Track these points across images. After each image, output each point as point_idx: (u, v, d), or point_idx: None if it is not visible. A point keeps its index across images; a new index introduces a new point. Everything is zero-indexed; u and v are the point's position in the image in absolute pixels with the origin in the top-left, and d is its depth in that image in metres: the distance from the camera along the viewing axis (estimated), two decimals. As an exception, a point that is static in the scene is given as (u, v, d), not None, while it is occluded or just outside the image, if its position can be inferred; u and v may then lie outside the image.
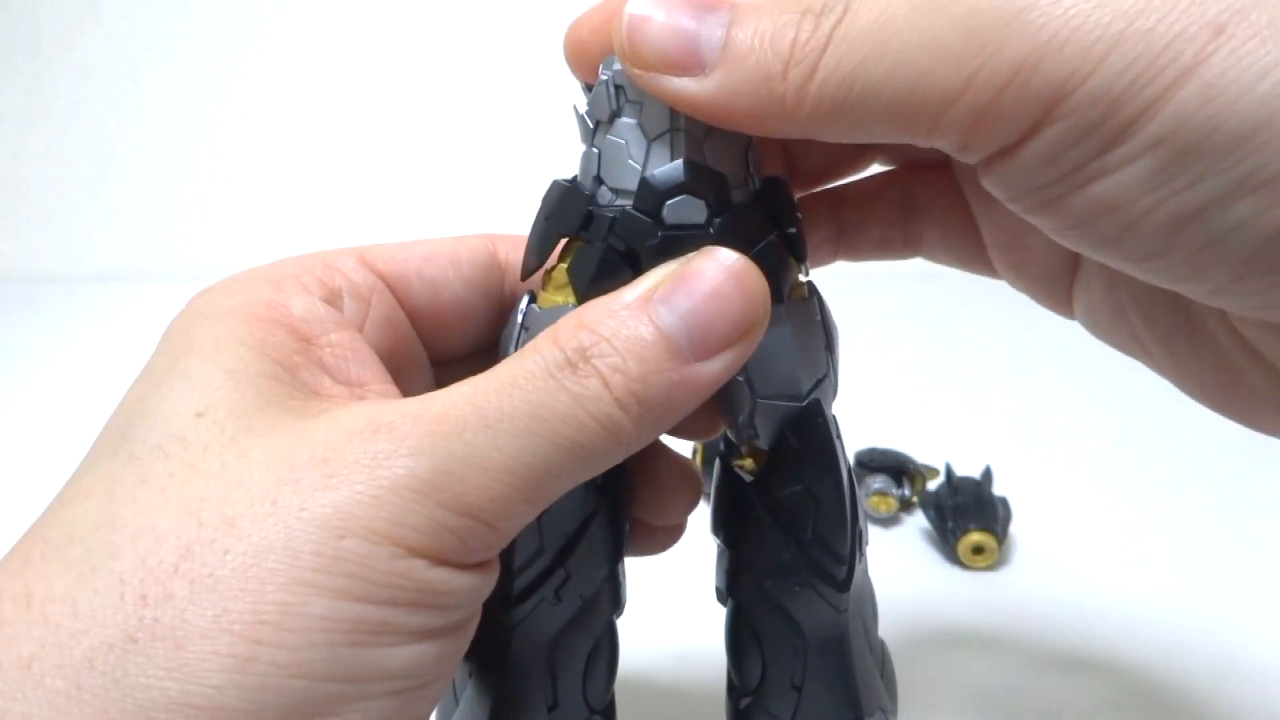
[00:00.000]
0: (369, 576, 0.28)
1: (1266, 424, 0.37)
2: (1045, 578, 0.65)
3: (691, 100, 0.31)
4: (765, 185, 0.37)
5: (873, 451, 0.76)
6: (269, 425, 0.31)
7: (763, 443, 0.37)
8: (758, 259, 0.35)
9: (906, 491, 0.74)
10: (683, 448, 0.79)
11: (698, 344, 0.31)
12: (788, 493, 0.37)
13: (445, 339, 0.42)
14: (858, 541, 0.38)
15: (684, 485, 0.44)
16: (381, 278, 0.39)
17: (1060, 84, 0.28)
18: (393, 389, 0.36)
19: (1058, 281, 0.41)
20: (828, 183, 0.45)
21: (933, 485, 0.73)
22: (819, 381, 0.37)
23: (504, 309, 0.42)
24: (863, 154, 0.45)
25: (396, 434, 0.29)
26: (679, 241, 0.34)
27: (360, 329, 0.37)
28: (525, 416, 0.30)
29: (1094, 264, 0.39)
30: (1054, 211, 0.31)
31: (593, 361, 0.30)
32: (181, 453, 0.30)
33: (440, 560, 0.29)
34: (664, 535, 0.45)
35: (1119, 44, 0.27)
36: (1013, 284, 0.43)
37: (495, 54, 1.59)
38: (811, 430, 0.36)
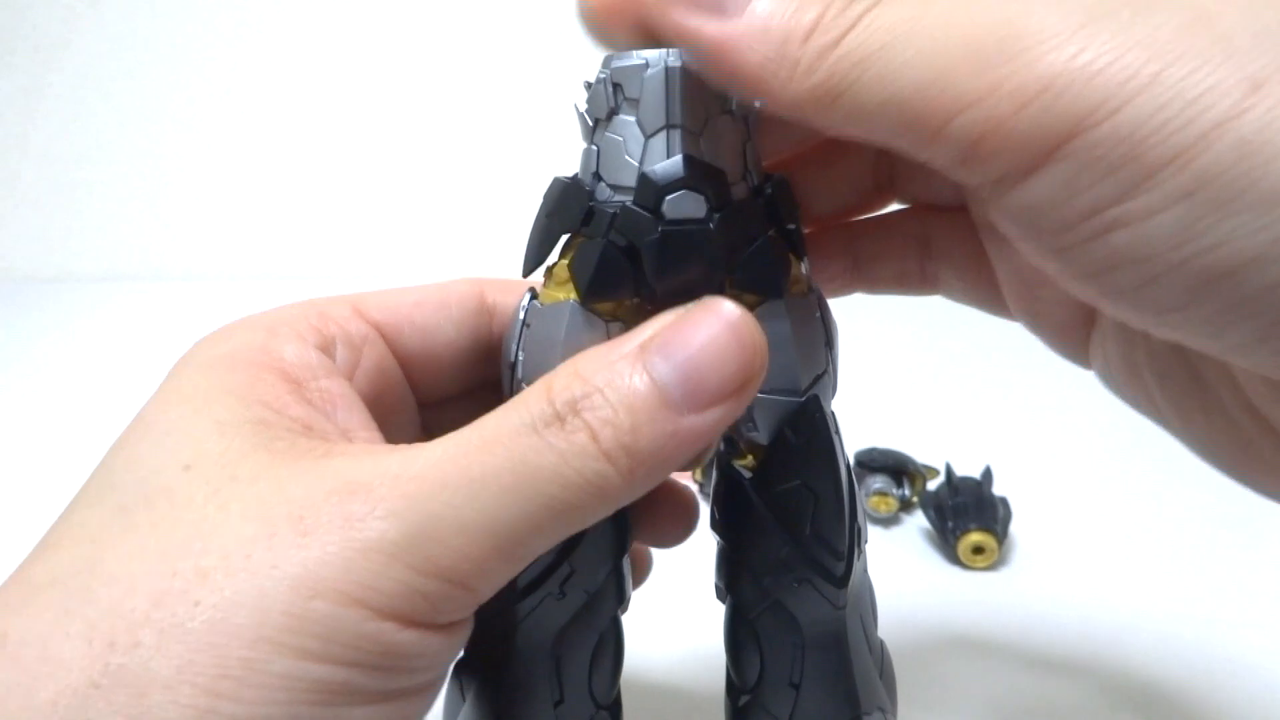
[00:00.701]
0: (336, 639, 0.28)
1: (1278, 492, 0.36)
2: (1045, 578, 0.65)
3: (705, 39, 0.30)
4: (765, 181, 0.37)
5: (873, 451, 0.76)
6: (252, 475, 0.31)
7: (761, 438, 0.37)
8: (757, 253, 0.35)
9: (906, 491, 0.74)
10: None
11: (691, 396, 0.30)
12: (786, 488, 0.37)
13: (435, 382, 0.42)
14: (856, 538, 0.38)
15: (680, 513, 0.43)
16: (375, 326, 0.40)
17: (1084, 114, 0.26)
18: (377, 436, 0.36)
19: (1074, 333, 0.40)
20: (839, 222, 0.45)
21: (933, 485, 0.73)
22: (818, 377, 0.37)
23: (492, 350, 0.42)
24: (878, 195, 0.44)
25: (373, 495, 0.29)
26: (679, 236, 0.34)
27: (350, 377, 0.38)
28: (507, 474, 0.29)
29: (1111, 320, 0.38)
30: (1069, 258, 0.29)
31: (583, 415, 0.30)
32: (167, 505, 0.30)
33: (410, 623, 0.29)
34: (676, 529, 0.45)
35: (1151, 85, 0.26)
36: (1030, 331, 0.42)
37: (498, 53, 1.59)
38: (810, 426, 0.36)
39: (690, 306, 0.32)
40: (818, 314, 0.38)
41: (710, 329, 0.31)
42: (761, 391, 0.36)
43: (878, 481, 0.73)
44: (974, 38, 0.28)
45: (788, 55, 0.30)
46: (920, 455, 0.77)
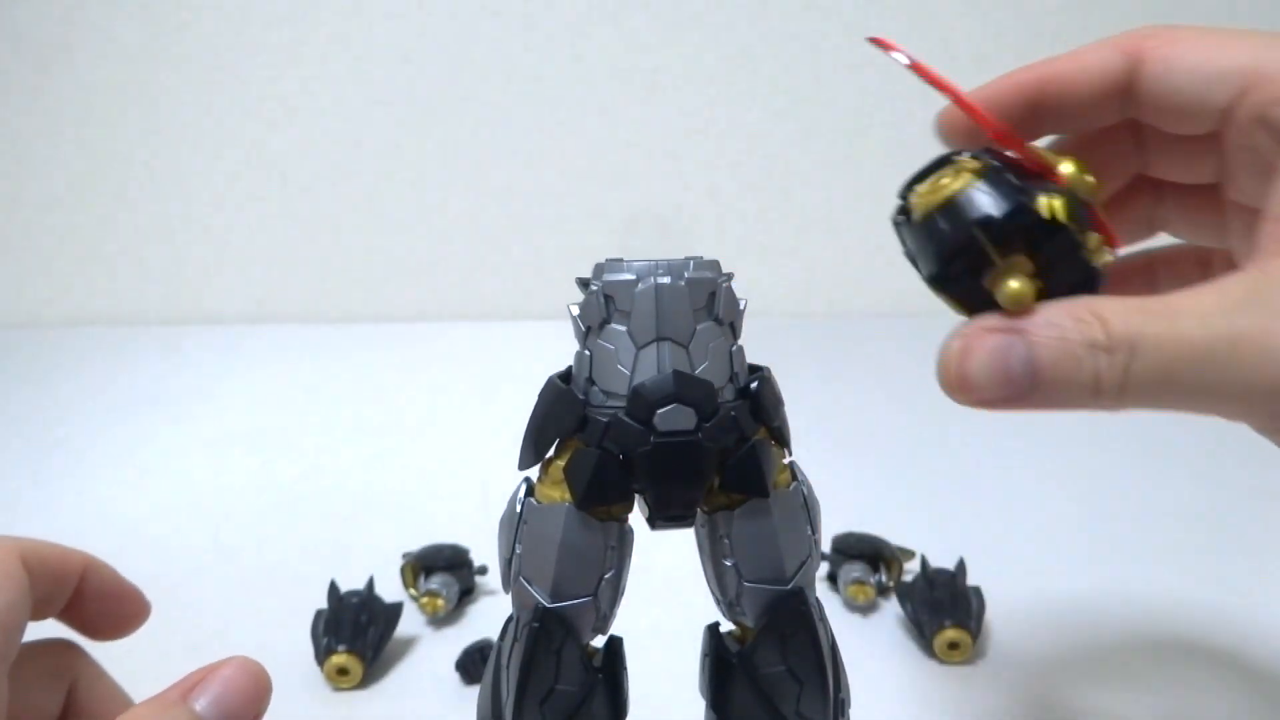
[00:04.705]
0: None
1: None
2: (1020, 671, 0.67)
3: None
4: (750, 380, 0.39)
5: (849, 537, 0.78)
6: None
7: (750, 622, 0.39)
8: (744, 458, 0.37)
9: (883, 577, 0.76)
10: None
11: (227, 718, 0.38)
12: (772, 671, 0.39)
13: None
14: (840, 710, 0.40)
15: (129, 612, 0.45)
16: None
17: None
18: None
19: None
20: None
21: (910, 567, 0.76)
22: (803, 564, 0.39)
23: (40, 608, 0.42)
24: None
25: None
26: (670, 449, 0.36)
27: None
28: None
29: None
30: None
31: None
32: None
33: None
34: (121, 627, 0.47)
35: None
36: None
37: (484, 91, 1.60)
38: (795, 616, 0.39)
39: (219, 663, 0.38)
40: (801, 500, 0.40)
41: (233, 672, 0.38)
42: (749, 581, 0.39)
43: (855, 570, 0.75)
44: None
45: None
46: (894, 535, 0.79)
